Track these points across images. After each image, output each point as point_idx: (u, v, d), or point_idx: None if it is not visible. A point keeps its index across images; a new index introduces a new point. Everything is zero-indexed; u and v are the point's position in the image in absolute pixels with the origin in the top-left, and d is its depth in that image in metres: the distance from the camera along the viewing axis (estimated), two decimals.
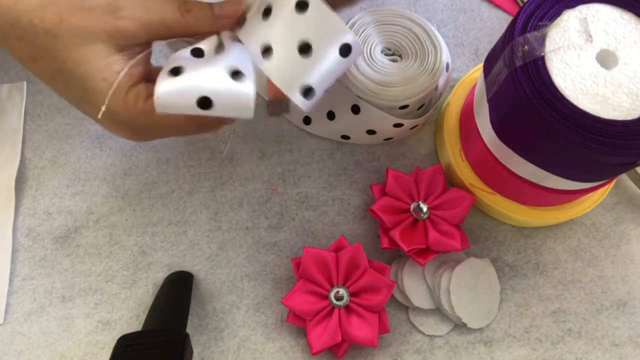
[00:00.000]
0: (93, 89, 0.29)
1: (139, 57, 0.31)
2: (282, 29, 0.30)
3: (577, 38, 0.35)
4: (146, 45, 0.31)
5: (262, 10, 0.30)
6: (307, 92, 0.30)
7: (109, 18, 0.29)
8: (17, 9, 0.28)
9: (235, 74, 0.29)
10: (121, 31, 0.29)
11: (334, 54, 0.29)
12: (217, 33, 0.32)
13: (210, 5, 0.32)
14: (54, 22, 0.28)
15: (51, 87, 0.31)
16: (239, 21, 0.32)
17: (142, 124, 0.31)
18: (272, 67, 0.30)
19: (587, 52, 0.34)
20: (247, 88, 0.28)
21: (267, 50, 0.30)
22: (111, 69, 0.29)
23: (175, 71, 0.29)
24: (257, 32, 0.31)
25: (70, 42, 0.28)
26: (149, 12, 0.30)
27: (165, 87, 0.28)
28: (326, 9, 0.29)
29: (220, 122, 0.33)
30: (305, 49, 0.29)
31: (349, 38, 0.29)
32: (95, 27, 0.28)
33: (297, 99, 0.30)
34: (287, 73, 0.30)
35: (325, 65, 0.30)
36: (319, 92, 0.31)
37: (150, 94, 0.30)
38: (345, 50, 0.30)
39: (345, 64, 0.30)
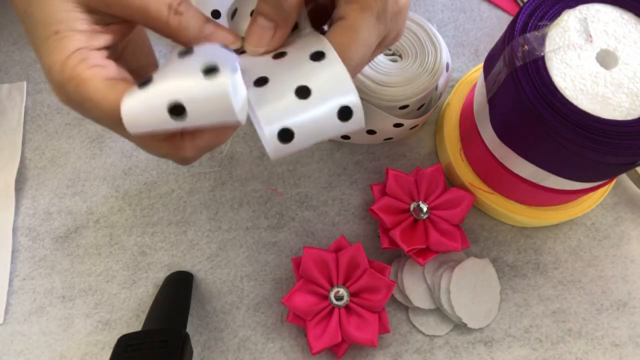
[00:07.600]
0: (42, 36, 0.27)
1: (107, 27, 0.28)
2: (287, 69, 0.27)
3: (577, 38, 0.35)
4: (124, 23, 0.29)
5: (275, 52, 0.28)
6: (285, 134, 0.26)
7: None
8: None
9: (210, 71, 0.25)
10: None
11: (331, 108, 0.26)
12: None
13: (205, 21, 0.28)
14: None
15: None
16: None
17: (70, 90, 0.27)
18: (259, 94, 0.26)
19: (587, 52, 0.34)
20: (221, 84, 0.24)
21: (262, 81, 0.27)
22: (68, 25, 0.26)
23: (144, 83, 0.25)
24: (258, 64, 0.28)
25: None
26: None
27: (129, 102, 0.25)
28: (341, 66, 0.26)
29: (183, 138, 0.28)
30: (303, 92, 0.26)
31: (351, 100, 0.26)
32: None
33: (269, 135, 0.26)
34: (272, 105, 0.26)
35: (318, 114, 0.26)
36: (296, 142, 0.26)
37: (97, 65, 0.26)
38: (345, 112, 0.26)
39: (340, 126, 0.27)
